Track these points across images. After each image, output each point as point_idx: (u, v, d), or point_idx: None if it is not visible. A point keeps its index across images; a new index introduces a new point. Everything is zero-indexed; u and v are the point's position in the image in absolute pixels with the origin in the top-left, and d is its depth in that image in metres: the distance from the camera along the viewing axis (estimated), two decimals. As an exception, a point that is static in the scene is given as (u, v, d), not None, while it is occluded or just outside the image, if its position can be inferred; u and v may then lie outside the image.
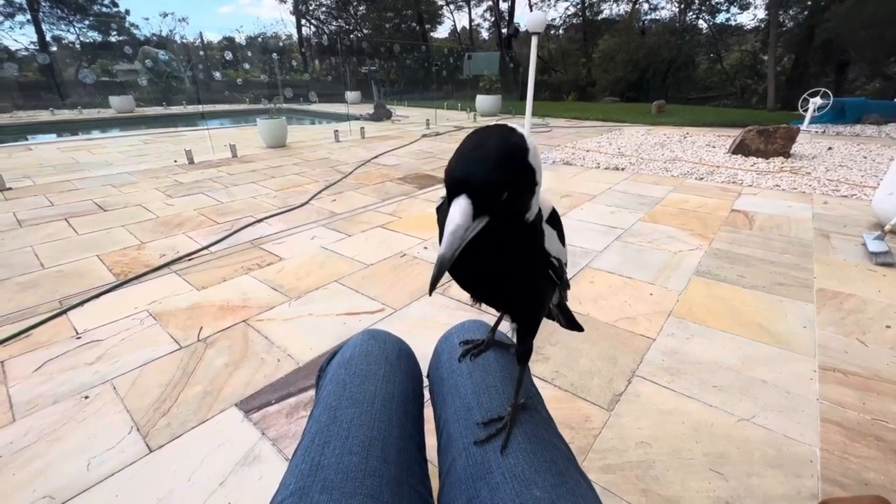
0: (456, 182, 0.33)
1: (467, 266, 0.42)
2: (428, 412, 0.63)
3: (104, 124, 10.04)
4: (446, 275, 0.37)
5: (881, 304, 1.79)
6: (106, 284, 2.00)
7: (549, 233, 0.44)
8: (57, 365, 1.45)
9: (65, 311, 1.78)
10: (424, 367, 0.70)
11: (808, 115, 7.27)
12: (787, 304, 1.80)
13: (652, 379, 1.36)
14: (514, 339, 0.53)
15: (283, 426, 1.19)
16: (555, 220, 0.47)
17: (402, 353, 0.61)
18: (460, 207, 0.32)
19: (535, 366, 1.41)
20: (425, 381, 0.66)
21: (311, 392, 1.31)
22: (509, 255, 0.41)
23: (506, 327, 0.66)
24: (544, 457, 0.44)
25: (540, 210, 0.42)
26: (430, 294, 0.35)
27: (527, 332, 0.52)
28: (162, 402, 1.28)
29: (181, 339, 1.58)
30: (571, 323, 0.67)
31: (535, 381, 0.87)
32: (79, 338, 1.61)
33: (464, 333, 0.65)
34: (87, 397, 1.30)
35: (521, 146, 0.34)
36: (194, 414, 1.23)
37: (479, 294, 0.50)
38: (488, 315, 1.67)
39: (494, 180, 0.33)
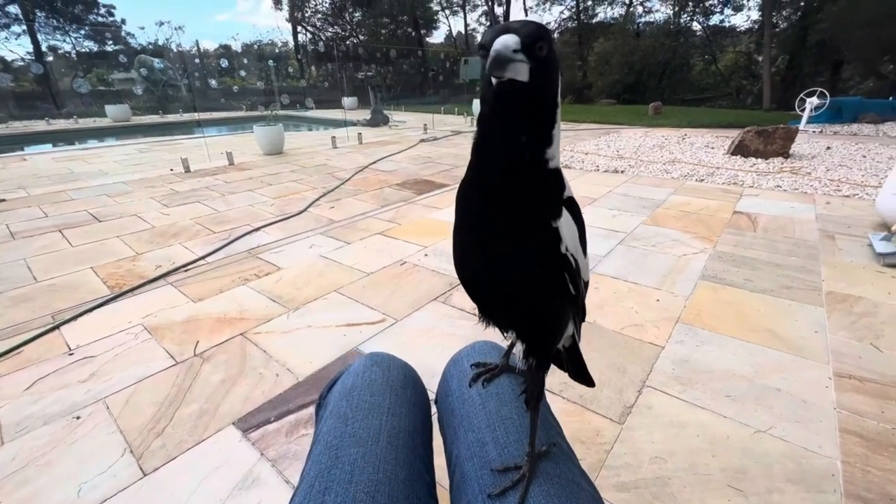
0: (500, 29, 0.34)
1: (481, 249, 0.41)
2: (436, 435, 0.59)
3: (100, 133, 10.00)
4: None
5: (893, 306, 1.75)
6: (100, 298, 1.95)
7: (567, 220, 0.41)
8: (48, 383, 1.40)
9: (57, 326, 1.73)
10: (427, 380, 0.65)
11: (806, 115, 7.28)
12: (797, 307, 1.76)
13: (663, 389, 1.32)
14: (525, 372, 0.49)
15: (282, 445, 1.14)
16: (574, 209, 0.43)
17: (409, 381, 0.57)
18: (508, 35, 0.33)
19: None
20: (433, 406, 0.62)
21: (311, 409, 1.26)
22: (527, 215, 0.39)
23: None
24: (567, 500, 0.40)
25: (563, 179, 0.42)
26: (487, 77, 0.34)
27: (538, 364, 0.47)
28: (157, 421, 1.23)
29: (177, 354, 1.54)
30: (581, 374, 0.62)
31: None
32: (71, 354, 1.56)
33: (474, 356, 0.60)
34: (78, 417, 1.25)
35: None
36: (190, 434, 1.19)
37: (487, 300, 0.47)
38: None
39: (536, 26, 0.35)
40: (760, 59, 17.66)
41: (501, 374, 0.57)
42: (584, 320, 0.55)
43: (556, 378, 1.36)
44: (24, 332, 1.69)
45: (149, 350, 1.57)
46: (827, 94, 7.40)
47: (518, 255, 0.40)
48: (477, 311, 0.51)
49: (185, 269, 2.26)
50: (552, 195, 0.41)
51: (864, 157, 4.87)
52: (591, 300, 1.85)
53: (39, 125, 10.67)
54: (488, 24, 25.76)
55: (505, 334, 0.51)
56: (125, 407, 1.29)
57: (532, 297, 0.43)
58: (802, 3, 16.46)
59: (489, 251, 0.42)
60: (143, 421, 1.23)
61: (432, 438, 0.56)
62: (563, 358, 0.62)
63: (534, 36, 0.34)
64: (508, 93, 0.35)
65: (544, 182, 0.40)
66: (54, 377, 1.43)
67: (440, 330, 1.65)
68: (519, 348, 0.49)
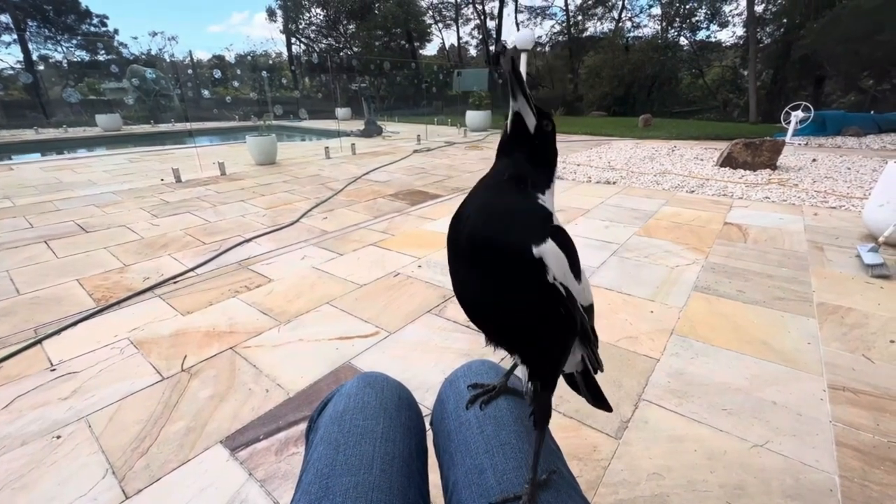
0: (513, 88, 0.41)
1: (473, 279, 0.43)
2: (432, 457, 0.57)
3: (90, 143, 9.89)
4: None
5: (882, 317, 1.77)
6: (85, 311, 1.90)
7: (553, 248, 0.41)
8: (28, 401, 1.35)
9: (39, 341, 1.68)
10: (421, 394, 0.63)
11: (791, 128, 7.44)
12: (789, 319, 1.77)
13: (659, 403, 1.30)
14: (530, 394, 0.49)
15: (271, 465, 1.11)
16: (562, 238, 0.43)
17: (403, 403, 0.55)
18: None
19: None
20: (428, 428, 0.60)
21: (302, 426, 1.23)
22: (512, 234, 0.41)
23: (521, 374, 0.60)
24: None
25: (552, 215, 0.45)
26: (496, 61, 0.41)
27: (543, 386, 0.47)
28: (141, 440, 1.19)
29: (163, 370, 1.50)
30: (598, 399, 0.62)
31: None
32: (53, 370, 1.51)
33: (471, 376, 0.59)
34: (59, 437, 1.21)
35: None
36: (176, 453, 1.15)
37: (487, 326, 0.47)
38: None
39: (543, 107, 0.44)
40: (746, 73, 18.14)
41: (500, 396, 0.55)
42: (596, 346, 0.54)
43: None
44: (5, 347, 1.63)
45: (134, 365, 1.53)
46: (811, 107, 7.59)
47: (505, 285, 0.42)
48: (483, 335, 0.50)
49: (174, 281, 2.22)
50: (537, 219, 0.43)
51: (849, 169, 4.97)
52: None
53: (28, 134, 10.54)
54: (480, 37, 26.16)
55: (512, 356, 0.51)
56: (108, 425, 1.25)
57: (526, 324, 0.44)
58: (785, 20, 16.96)
59: (481, 281, 0.43)
60: (126, 440, 1.19)
61: (427, 464, 0.54)
62: (579, 382, 0.61)
63: (543, 113, 0.43)
64: (519, 126, 0.43)
65: (530, 208, 0.43)
66: (34, 394, 1.38)
67: (434, 343, 1.63)
68: (523, 371, 0.48)
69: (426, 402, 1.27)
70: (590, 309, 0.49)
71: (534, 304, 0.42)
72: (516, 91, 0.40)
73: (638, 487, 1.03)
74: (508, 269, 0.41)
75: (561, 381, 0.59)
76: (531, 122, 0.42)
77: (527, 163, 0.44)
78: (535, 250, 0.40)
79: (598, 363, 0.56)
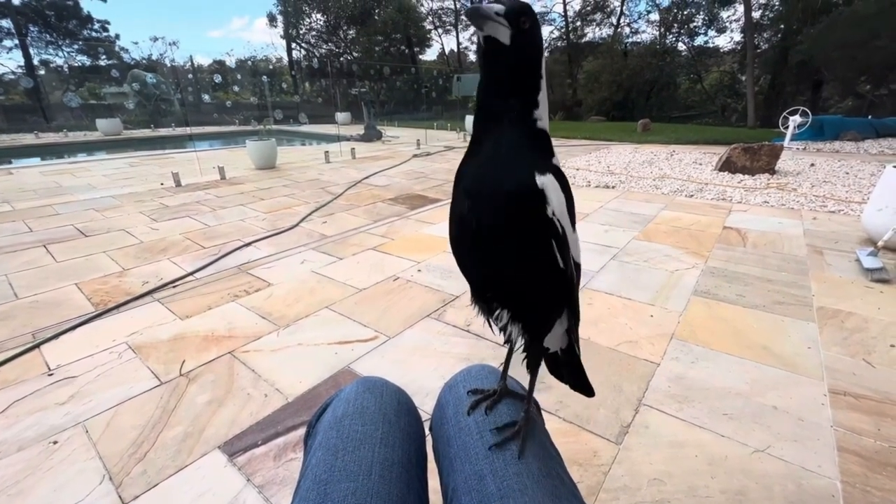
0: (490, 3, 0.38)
1: (473, 215, 0.44)
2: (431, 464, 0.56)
3: (90, 147, 9.91)
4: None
5: (882, 322, 1.77)
6: (83, 315, 1.90)
7: (553, 182, 0.43)
8: (25, 406, 1.35)
9: (37, 345, 1.67)
10: (420, 399, 0.63)
11: (789, 133, 7.47)
12: (789, 323, 1.77)
13: (660, 408, 1.30)
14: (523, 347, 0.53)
15: (270, 470, 1.10)
16: (561, 176, 0.45)
17: (402, 408, 0.54)
18: (491, 4, 0.38)
19: (538, 395, 1.34)
20: (427, 433, 0.60)
21: (301, 431, 1.22)
22: (515, 166, 0.42)
23: (516, 374, 0.60)
24: None
25: (550, 143, 0.45)
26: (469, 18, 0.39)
27: (534, 337, 0.51)
28: (138, 445, 1.18)
29: (162, 374, 1.49)
30: (581, 384, 0.63)
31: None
32: (51, 374, 1.50)
33: (471, 381, 0.58)
34: (55, 442, 1.20)
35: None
36: (173, 459, 1.14)
37: (479, 273, 0.49)
38: (487, 341, 1.61)
39: (521, 4, 0.40)
40: (744, 78, 18.22)
41: (501, 401, 0.55)
42: (578, 320, 0.57)
43: (552, 396, 1.34)
44: (3, 352, 1.63)
45: (132, 370, 1.52)
46: (809, 112, 7.62)
47: (506, 214, 0.42)
48: (471, 296, 0.53)
49: (174, 285, 2.22)
50: (539, 150, 0.44)
51: (847, 173, 4.99)
52: (585, 316, 1.84)
53: (28, 138, 10.55)
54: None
55: (495, 328, 0.53)
56: (106, 430, 1.24)
57: (521, 262, 0.45)
58: (782, 26, 17.08)
59: (480, 215, 0.44)
60: (124, 445, 1.18)
61: (427, 469, 0.53)
62: (561, 363, 0.63)
63: (517, 10, 0.39)
64: (493, 53, 0.40)
65: (532, 137, 0.44)
66: (32, 399, 1.37)
67: (434, 348, 1.62)
68: (515, 329, 0.51)
69: (425, 406, 1.26)
70: (578, 269, 0.51)
71: (533, 240, 0.43)
72: (480, 10, 0.38)
73: (639, 493, 1.02)
74: (511, 202, 0.42)
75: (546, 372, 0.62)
76: (505, 34, 0.39)
77: (513, 82, 0.42)
78: (539, 180, 0.42)
79: (576, 342, 0.59)
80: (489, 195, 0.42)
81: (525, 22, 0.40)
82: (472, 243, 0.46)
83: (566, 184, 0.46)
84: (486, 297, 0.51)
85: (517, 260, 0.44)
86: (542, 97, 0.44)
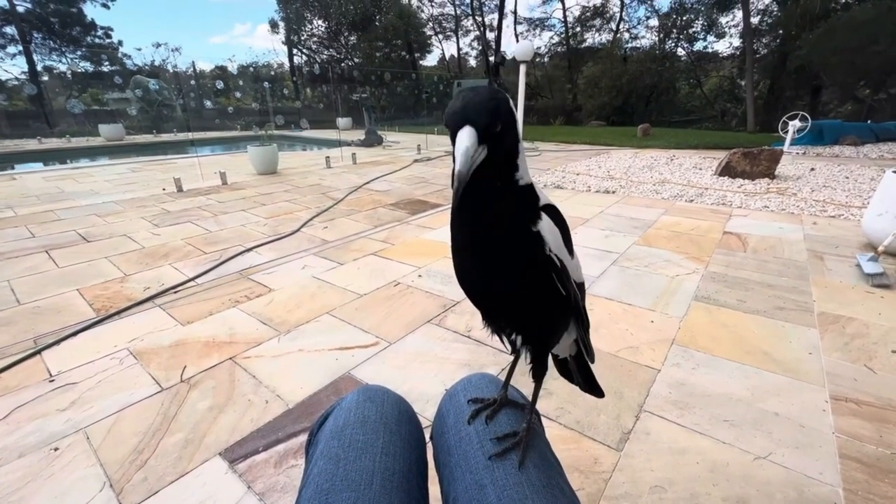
0: (461, 118, 0.39)
1: (476, 260, 0.47)
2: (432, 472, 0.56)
3: (92, 153, 9.96)
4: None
5: (883, 327, 1.77)
6: (85, 321, 1.90)
7: (548, 224, 0.46)
8: (26, 412, 1.35)
9: (39, 352, 1.68)
10: (421, 405, 0.64)
11: (789, 138, 7.49)
12: (790, 329, 1.77)
13: (661, 414, 1.30)
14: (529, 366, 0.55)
15: (271, 477, 1.10)
16: (555, 214, 0.48)
17: (403, 416, 0.54)
18: (467, 133, 0.38)
19: (538, 402, 1.34)
20: (428, 441, 0.60)
21: (302, 438, 1.22)
22: (508, 223, 0.45)
23: (518, 384, 0.61)
24: None
25: (536, 192, 0.47)
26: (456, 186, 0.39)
27: (539, 351, 0.53)
28: (139, 452, 1.18)
29: (163, 381, 1.49)
30: (591, 385, 0.66)
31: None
32: (52, 380, 1.50)
33: (471, 390, 0.59)
34: (56, 449, 1.20)
35: (504, 96, 0.42)
36: (174, 466, 1.14)
37: (487, 305, 0.52)
38: (488, 347, 1.61)
39: (491, 113, 0.40)
40: (743, 83, 18.28)
41: (501, 410, 0.55)
42: (588, 327, 0.59)
43: (553, 403, 1.34)
44: (4, 358, 1.63)
45: (133, 376, 1.52)
46: (808, 117, 7.64)
47: (507, 260, 0.46)
48: (481, 319, 0.56)
49: (175, 290, 2.22)
50: (527, 204, 0.47)
51: (847, 178, 5.00)
52: (585, 322, 1.84)
53: (31, 144, 10.61)
54: (480, 48, 26.44)
55: (505, 341, 0.56)
56: (107, 437, 1.24)
57: (525, 296, 0.48)
58: (781, 31, 17.15)
59: (483, 262, 0.47)
60: (124, 452, 1.18)
61: (428, 478, 0.54)
62: (573, 369, 0.66)
63: (488, 125, 0.39)
64: (478, 170, 0.41)
65: (519, 196, 0.46)
66: (33, 405, 1.38)
67: (434, 353, 1.63)
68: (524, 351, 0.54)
69: (426, 412, 1.26)
70: (581, 287, 0.55)
71: (531, 275, 0.47)
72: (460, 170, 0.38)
73: (640, 500, 1.02)
74: (510, 244, 0.45)
75: (554, 371, 0.65)
76: (482, 154, 0.40)
77: (494, 173, 0.42)
78: (534, 228, 0.45)
79: (589, 349, 0.61)
80: (493, 259, 0.46)
81: (496, 125, 0.40)
82: (477, 277, 0.50)
83: (559, 216, 0.49)
84: (495, 322, 0.54)
85: (522, 292, 0.48)
86: (521, 158, 0.45)
